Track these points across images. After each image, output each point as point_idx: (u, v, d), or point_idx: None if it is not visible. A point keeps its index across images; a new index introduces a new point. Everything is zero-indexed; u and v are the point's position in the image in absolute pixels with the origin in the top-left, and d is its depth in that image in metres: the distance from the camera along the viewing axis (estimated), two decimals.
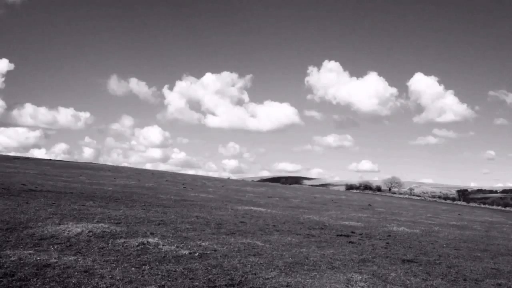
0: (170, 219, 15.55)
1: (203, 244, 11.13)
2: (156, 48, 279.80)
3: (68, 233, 10.80)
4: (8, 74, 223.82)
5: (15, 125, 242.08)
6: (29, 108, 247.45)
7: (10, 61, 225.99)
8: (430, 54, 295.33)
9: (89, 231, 11.16)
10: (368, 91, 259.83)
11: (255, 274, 8.63)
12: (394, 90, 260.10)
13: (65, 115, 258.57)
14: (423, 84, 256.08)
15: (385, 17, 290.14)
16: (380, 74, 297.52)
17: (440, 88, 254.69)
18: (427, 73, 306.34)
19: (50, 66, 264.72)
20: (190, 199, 26.38)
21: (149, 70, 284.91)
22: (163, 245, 10.32)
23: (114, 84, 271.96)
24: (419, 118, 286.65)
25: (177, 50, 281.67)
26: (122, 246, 10.00)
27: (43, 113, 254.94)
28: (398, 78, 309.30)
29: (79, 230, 11.16)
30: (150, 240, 10.67)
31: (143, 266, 8.40)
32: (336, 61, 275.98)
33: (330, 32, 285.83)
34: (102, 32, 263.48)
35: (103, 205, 17.99)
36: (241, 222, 16.70)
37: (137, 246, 10.06)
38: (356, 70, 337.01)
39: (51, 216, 13.40)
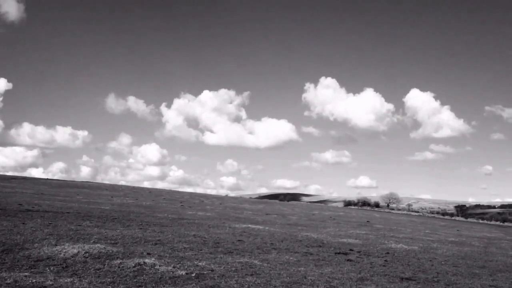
0: (167, 238, 15.48)
1: (200, 264, 11.08)
2: (153, 67, 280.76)
3: (64, 254, 10.74)
4: (6, 94, 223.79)
5: (13, 144, 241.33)
6: (27, 127, 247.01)
7: (9, 81, 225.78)
8: (426, 70, 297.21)
9: (86, 252, 11.10)
10: (365, 107, 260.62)
11: None
12: (390, 106, 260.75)
13: (62, 134, 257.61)
14: (419, 100, 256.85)
15: (381, 34, 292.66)
16: (376, 90, 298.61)
17: (436, 103, 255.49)
18: (423, 89, 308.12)
19: (48, 85, 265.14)
20: (188, 217, 26.28)
21: (147, 88, 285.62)
22: (159, 266, 10.27)
23: (112, 103, 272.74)
24: (416, 133, 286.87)
25: (174, 68, 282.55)
26: (119, 267, 9.95)
27: (41, 132, 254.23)
28: (394, 94, 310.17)
29: (75, 251, 11.10)
30: (146, 260, 10.62)
31: None
32: (332, 77, 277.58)
33: (326, 49, 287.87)
34: (100, 51, 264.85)
35: (100, 225, 17.91)
36: (238, 240, 16.64)
37: (134, 267, 10.01)
38: (353, 86, 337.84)
39: (47, 237, 13.34)
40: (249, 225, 23.87)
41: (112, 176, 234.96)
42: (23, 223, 15.97)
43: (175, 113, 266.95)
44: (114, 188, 67.89)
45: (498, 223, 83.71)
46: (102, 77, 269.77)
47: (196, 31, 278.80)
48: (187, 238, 15.93)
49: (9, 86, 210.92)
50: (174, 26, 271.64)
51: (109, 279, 8.82)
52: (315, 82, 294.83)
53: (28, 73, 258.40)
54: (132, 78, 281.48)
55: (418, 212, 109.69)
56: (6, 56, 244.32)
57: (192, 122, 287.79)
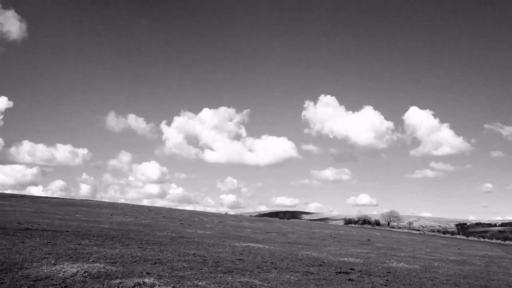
0: (167, 257, 15.38)
1: (200, 283, 10.99)
2: (154, 85, 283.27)
3: (63, 274, 10.66)
4: (7, 112, 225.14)
5: (13, 162, 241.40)
6: (27, 145, 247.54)
7: (9, 99, 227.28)
8: (424, 88, 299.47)
9: (85, 272, 11.01)
10: (364, 125, 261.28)
11: None
12: (390, 124, 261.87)
13: (62, 152, 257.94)
14: (418, 118, 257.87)
15: (379, 52, 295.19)
16: (375, 108, 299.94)
17: (436, 121, 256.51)
18: (422, 107, 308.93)
19: (49, 103, 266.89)
20: (187, 236, 26.15)
21: (147, 106, 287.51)
22: (159, 286, 10.19)
23: (112, 121, 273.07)
24: (416, 151, 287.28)
25: (174, 86, 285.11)
26: (118, 287, 9.86)
27: (41, 150, 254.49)
28: (393, 112, 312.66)
29: (74, 270, 11.02)
30: (146, 280, 10.53)
31: None
32: (332, 95, 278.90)
33: (325, 67, 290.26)
34: (100, 70, 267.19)
35: (99, 243, 17.81)
36: (238, 259, 16.53)
37: (133, 286, 9.92)
38: (352, 104, 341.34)
39: (46, 256, 13.26)
40: (249, 244, 23.74)
41: (111, 194, 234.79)
42: (22, 242, 15.88)
43: (175, 131, 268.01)
44: (113, 206, 67.65)
45: (499, 241, 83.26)
46: (102, 95, 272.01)
47: (196, 50, 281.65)
48: (187, 257, 15.83)
49: (10, 104, 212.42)
50: (174, 45, 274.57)
51: None
52: (315, 100, 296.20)
53: (29, 92, 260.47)
54: (132, 96, 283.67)
55: (419, 230, 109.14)
56: (7, 74, 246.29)
57: (192, 140, 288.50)
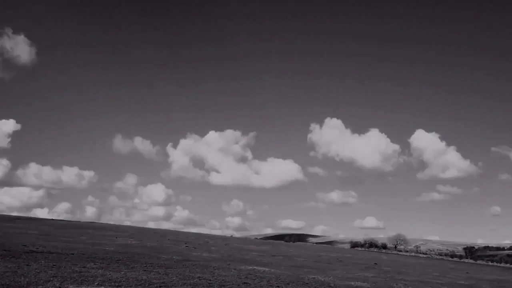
0: (172, 281, 15.28)
1: None
2: (160, 108, 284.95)
3: None
4: (14, 134, 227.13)
5: (19, 184, 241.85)
6: (33, 167, 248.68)
7: (17, 122, 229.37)
8: (430, 111, 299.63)
9: None
10: (370, 147, 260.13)
11: None
12: (396, 147, 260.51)
13: (69, 174, 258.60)
14: (424, 141, 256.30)
15: (385, 75, 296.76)
16: (381, 131, 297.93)
17: (442, 144, 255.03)
18: (428, 129, 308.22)
19: (56, 126, 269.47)
20: (193, 259, 25.98)
21: (153, 129, 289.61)
22: None
23: (119, 143, 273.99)
24: (423, 174, 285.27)
25: (181, 109, 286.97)
26: None
27: (47, 173, 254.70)
28: (399, 135, 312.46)
29: None
30: None
31: None
32: (338, 118, 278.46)
33: (331, 90, 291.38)
34: (108, 93, 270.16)
35: (104, 266, 17.74)
36: (244, 283, 16.40)
37: None
38: (358, 127, 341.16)
39: (51, 279, 13.22)
40: (255, 267, 23.56)
41: (117, 217, 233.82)
42: (27, 265, 15.86)
43: (181, 154, 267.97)
44: (118, 229, 67.42)
45: (508, 265, 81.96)
46: (109, 118, 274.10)
47: (202, 72, 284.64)
48: (192, 281, 15.72)
49: (18, 127, 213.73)
50: (180, 68, 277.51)
51: None
52: (321, 122, 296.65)
53: (36, 115, 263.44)
54: (138, 119, 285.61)
55: (426, 254, 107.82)
56: (16, 97, 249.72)
57: (198, 163, 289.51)
